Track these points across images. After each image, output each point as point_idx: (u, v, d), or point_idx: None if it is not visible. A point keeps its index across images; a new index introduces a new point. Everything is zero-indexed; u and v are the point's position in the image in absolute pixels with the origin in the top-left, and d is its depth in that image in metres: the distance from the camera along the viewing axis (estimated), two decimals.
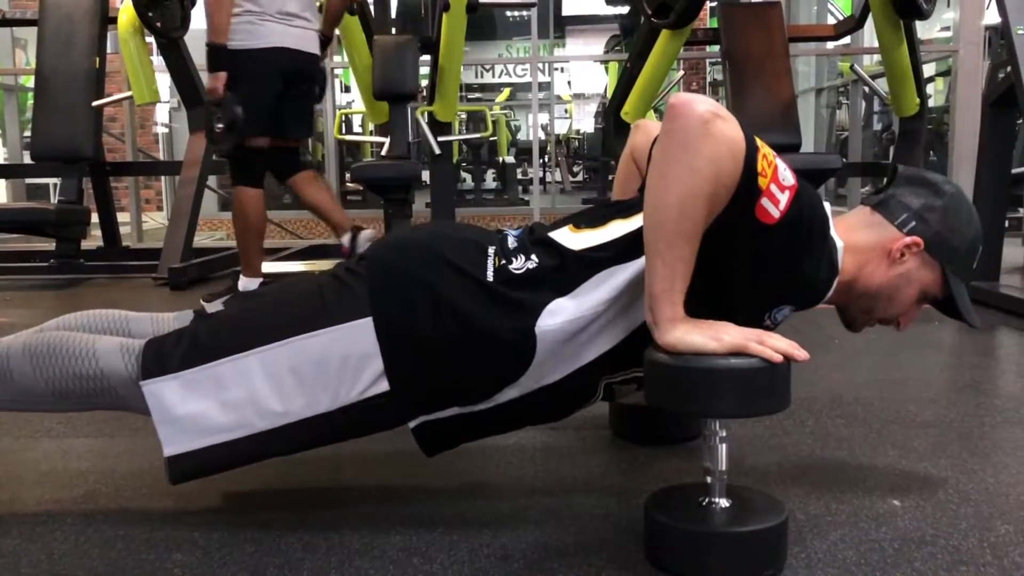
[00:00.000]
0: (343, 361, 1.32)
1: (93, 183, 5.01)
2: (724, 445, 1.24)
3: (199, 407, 1.32)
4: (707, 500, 1.26)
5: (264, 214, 3.56)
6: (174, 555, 1.31)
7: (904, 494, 1.50)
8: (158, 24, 4.55)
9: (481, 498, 1.54)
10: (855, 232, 1.41)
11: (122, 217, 5.10)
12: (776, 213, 1.22)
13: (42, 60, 4.79)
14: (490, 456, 1.74)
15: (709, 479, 1.26)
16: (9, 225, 4.67)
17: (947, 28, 8.67)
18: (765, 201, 1.21)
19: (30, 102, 5.74)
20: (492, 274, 1.36)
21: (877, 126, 8.57)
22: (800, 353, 1.20)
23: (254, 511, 1.49)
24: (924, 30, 6.83)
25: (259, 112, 3.31)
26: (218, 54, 3.22)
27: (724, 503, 1.25)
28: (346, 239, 3.63)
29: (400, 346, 1.33)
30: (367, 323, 1.33)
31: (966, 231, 1.42)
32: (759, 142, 1.22)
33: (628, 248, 1.33)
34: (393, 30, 4.96)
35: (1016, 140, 4.27)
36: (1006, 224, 3.61)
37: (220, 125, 3.25)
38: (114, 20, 4.77)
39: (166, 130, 8.59)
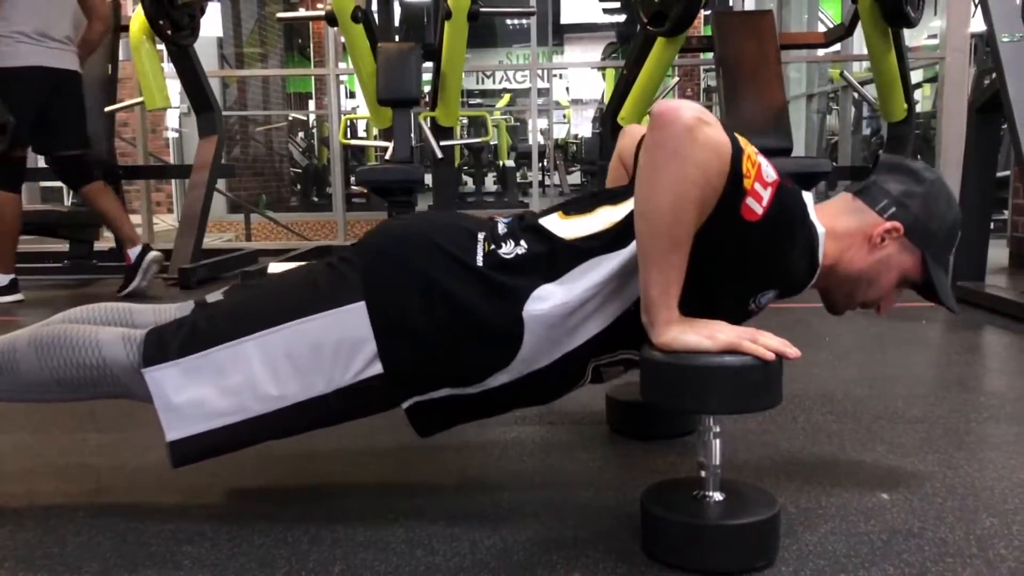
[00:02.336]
0: (337, 345, 1.31)
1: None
2: (718, 440, 1.24)
3: (199, 393, 1.32)
4: (701, 493, 1.26)
5: (18, 216, 3.85)
6: (184, 547, 1.31)
7: (892, 488, 1.50)
8: (168, 31, 4.55)
9: (482, 492, 1.54)
10: (837, 218, 1.41)
11: (134, 219, 5.09)
12: (759, 210, 1.22)
13: None
14: (490, 451, 1.74)
15: (703, 473, 1.25)
16: (25, 227, 4.66)
17: (934, 36, 8.67)
18: (750, 200, 1.21)
19: None
20: (481, 259, 1.35)
21: (866, 131, 8.56)
22: (792, 351, 1.20)
23: (261, 505, 1.49)
24: (912, 38, 6.83)
25: (19, 125, 3.65)
26: None
27: (718, 496, 1.25)
28: (134, 252, 3.95)
29: (392, 330, 1.32)
30: (360, 307, 1.32)
31: (945, 216, 1.42)
32: (743, 142, 1.22)
33: (617, 237, 1.32)
34: (396, 37, 4.95)
35: (1000, 144, 4.26)
36: (991, 226, 3.61)
37: None
38: (126, 28, 4.77)
39: (176, 135, 8.59)
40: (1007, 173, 4.91)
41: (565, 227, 1.39)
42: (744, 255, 1.27)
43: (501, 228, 1.42)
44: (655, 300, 1.21)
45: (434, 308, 1.31)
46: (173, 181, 8.17)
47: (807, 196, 1.38)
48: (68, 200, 5.36)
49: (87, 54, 4.00)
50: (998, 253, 4.27)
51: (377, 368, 1.32)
